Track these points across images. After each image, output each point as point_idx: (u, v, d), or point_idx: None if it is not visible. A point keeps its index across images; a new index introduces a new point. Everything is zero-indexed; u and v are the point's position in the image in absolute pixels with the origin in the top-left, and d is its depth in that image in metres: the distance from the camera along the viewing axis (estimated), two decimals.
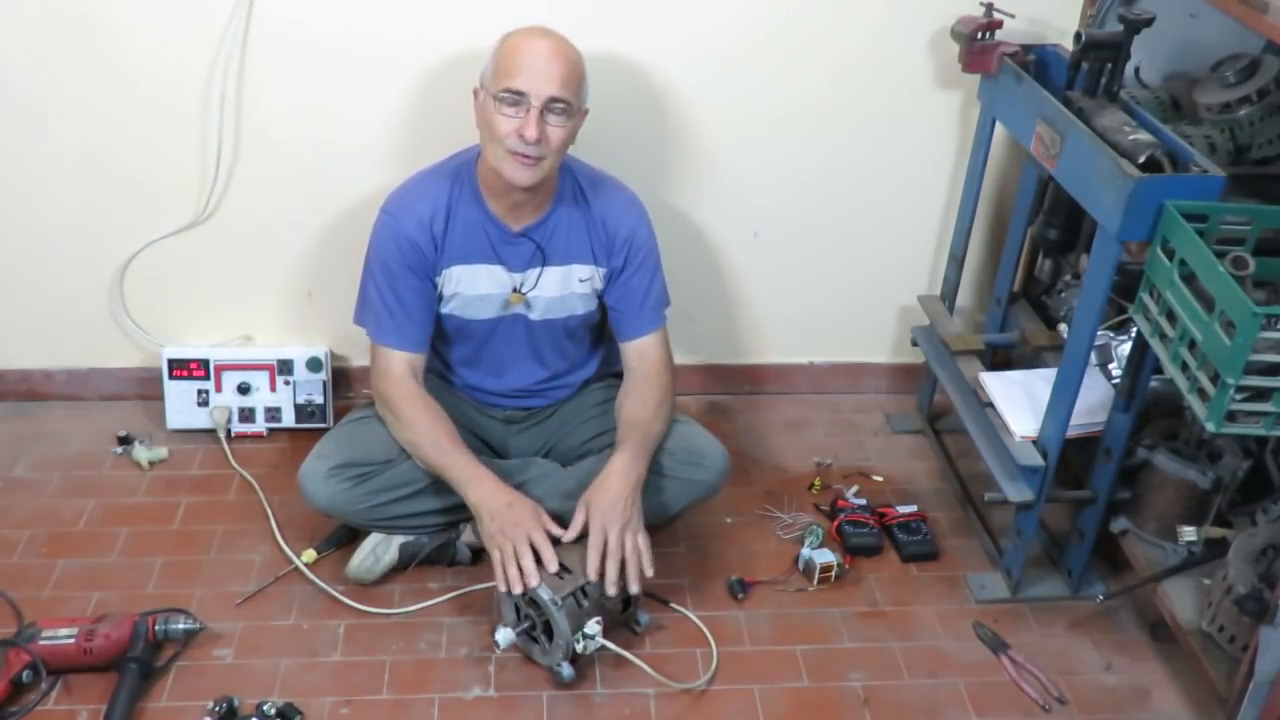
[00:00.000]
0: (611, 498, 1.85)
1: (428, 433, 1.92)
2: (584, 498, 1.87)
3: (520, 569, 1.78)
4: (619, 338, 2.08)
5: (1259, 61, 2.04)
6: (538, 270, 1.98)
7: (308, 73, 2.16)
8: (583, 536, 1.89)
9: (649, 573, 1.85)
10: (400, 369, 1.96)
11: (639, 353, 2.05)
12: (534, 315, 2.03)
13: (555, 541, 1.84)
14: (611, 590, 1.81)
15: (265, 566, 2.05)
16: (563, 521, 1.93)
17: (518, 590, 1.79)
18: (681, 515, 2.12)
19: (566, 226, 1.97)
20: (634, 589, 1.83)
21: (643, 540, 1.86)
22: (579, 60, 1.84)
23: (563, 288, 2.01)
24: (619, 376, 2.20)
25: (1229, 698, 1.65)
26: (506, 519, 1.83)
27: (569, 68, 1.81)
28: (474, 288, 1.98)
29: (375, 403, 2.01)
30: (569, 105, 1.81)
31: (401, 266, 1.94)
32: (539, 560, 1.80)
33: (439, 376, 2.14)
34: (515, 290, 1.99)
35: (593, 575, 1.80)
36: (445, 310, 2.01)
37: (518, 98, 1.78)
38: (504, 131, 1.80)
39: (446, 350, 2.10)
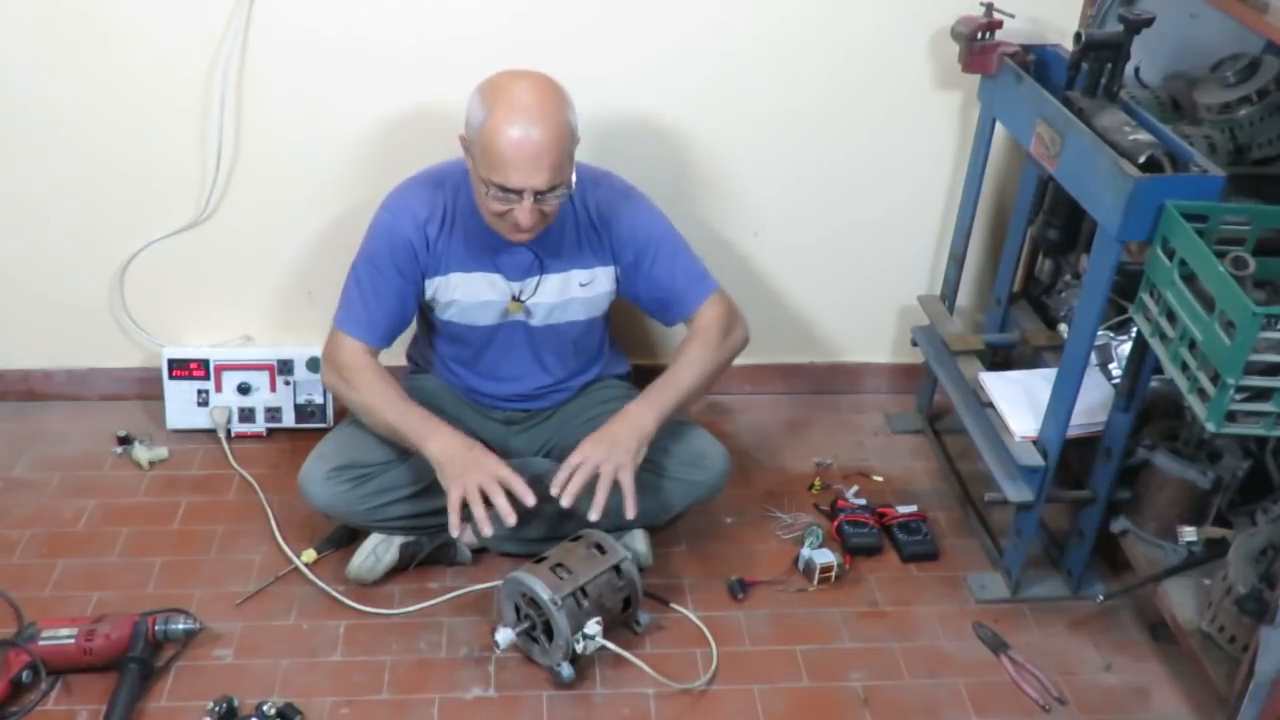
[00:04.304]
0: (600, 434, 1.88)
1: (380, 391, 1.93)
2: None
3: (487, 511, 1.81)
4: (672, 323, 2.08)
5: (1259, 61, 2.04)
6: (536, 278, 1.98)
7: (308, 73, 2.17)
8: (581, 536, 1.90)
9: (629, 515, 1.86)
10: (356, 347, 1.96)
11: (693, 322, 2.04)
12: (535, 322, 2.02)
13: (535, 512, 1.87)
14: (566, 502, 1.83)
15: (265, 566, 2.05)
16: (567, 531, 1.93)
17: (488, 532, 1.81)
18: (682, 515, 2.12)
19: (563, 232, 1.97)
20: (593, 515, 1.84)
21: (626, 479, 1.85)
22: (565, 123, 1.77)
23: (562, 294, 2.00)
24: (620, 379, 2.21)
25: (1229, 698, 1.65)
26: (469, 459, 1.85)
27: (557, 149, 1.74)
28: (473, 295, 1.98)
29: (326, 378, 2.01)
30: (562, 183, 1.79)
31: (388, 263, 1.94)
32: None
33: (438, 378, 2.14)
34: (514, 298, 1.99)
35: (555, 488, 1.83)
36: (444, 317, 2.01)
37: (508, 190, 1.76)
38: (498, 211, 1.80)
39: (447, 353, 2.10)
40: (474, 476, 1.83)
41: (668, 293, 2.02)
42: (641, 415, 1.91)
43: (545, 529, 1.99)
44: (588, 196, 1.97)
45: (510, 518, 1.81)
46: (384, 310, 1.97)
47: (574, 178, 1.85)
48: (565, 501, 1.83)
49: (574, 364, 2.12)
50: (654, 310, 2.08)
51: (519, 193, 1.76)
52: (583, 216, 1.97)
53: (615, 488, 1.86)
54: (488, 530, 1.82)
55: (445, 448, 1.86)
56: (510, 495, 1.83)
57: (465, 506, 1.84)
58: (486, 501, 1.83)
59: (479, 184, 1.80)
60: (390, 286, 1.95)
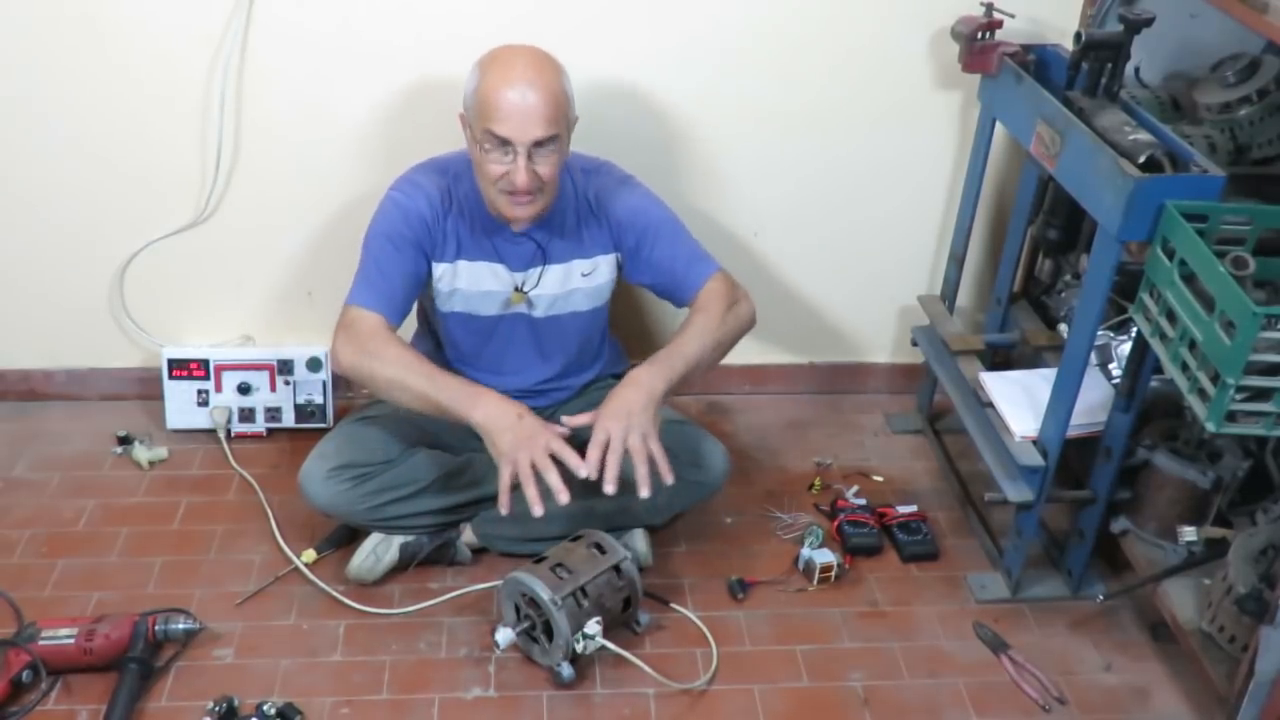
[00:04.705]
0: (616, 405, 1.80)
1: (413, 364, 1.84)
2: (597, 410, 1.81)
3: (543, 486, 1.74)
4: (681, 304, 2.04)
5: (1259, 61, 2.04)
6: (539, 269, 1.99)
7: (307, 72, 2.17)
8: (581, 536, 1.90)
9: (667, 480, 1.81)
10: (377, 320, 1.87)
11: (698, 297, 1.99)
12: (537, 313, 2.03)
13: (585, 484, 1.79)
14: (610, 488, 1.75)
15: (265, 566, 2.05)
16: (567, 531, 1.94)
17: (539, 513, 1.74)
18: (682, 515, 2.12)
19: (564, 221, 1.98)
20: (644, 492, 1.78)
21: (655, 447, 1.80)
22: (560, 87, 1.81)
23: (564, 285, 2.01)
24: (620, 377, 2.21)
25: (1229, 698, 1.66)
26: (521, 432, 1.77)
27: (551, 103, 1.77)
28: (477, 285, 1.99)
29: (345, 357, 1.86)
30: (556, 138, 1.80)
31: (404, 239, 1.92)
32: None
33: None
34: (517, 289, 2.00)
35: (592, 470, 1.75)
36: (446, 308, 2.02)
37: (503, 144, 1.78)
38: (495, 175, 1.81)
39: (448, 349, 2.10)
40: (525, 453, 1.76)
41: (670, 275, 2.02)
42: (651, 380, 1.84)
43: (570, 524, 1.97)
44: (588, 184, 1.99)
45: (563, 495, 1.75)
46: (403, 284, 1.93)
47: (570, 145, 1.87)
48: (609, 488, 1.76)
49: (575, 359, 2.12)
50: (660, 293, 2.07)
51: (514, 147, 1.77)
52: (583, 204, 1.98)
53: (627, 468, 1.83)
54: (539, 511, 1.75)
55: (493, 416, 1.79)
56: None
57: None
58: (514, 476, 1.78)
59: (476, 148, 1.81)
60: (407, 262, 1.92)
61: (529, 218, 1.88)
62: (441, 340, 2.10)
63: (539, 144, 1.78)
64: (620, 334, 2.30)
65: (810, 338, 2.58)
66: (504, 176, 1.80)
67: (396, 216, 1.92)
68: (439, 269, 1.97)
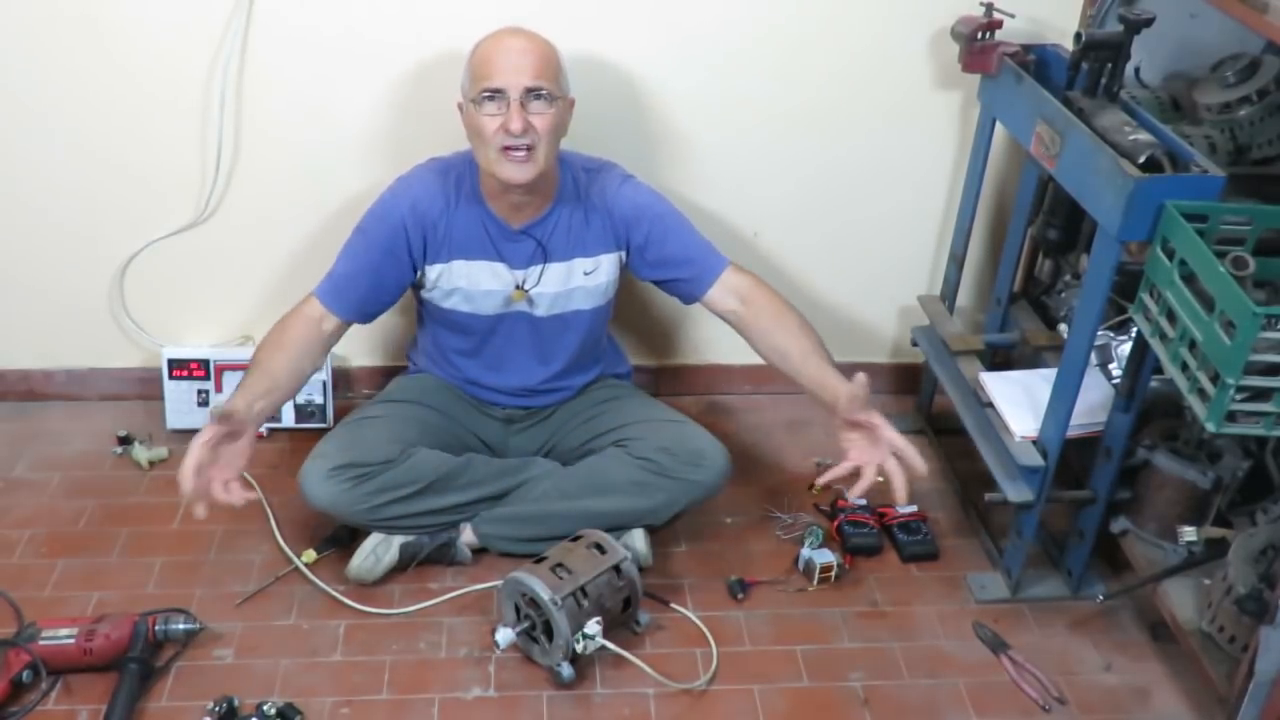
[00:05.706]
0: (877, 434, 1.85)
1: (256, 356, 1.92)
2: (848, 399, 1.86)
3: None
4: (694, 299, 2.04)
5: (1259, 61, 2.04)
6: (539, 267, 1.99)
7: (308, 72, 2.17)
8: (581, 536, 1.90)
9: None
10: (311, 312, 1.97)
11: (730, 292, 2.01)
12: (539, 312, 2.03)
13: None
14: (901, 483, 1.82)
15: (265, 566, 2.05)
16: (567, 531, 1.94)
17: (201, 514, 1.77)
18: (681, 515, 2.12)
19: (568, 221, 1.98)
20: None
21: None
22: (552, 51, 1.86)
23: (565, 283, 2.01)
24: (620, 378, 2.21)
25: (1229, 698, 1.66)
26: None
27: (541, 58, 1.83)
28: (477, 284, 1.99)
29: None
30: (548, 93, 1.82)
31: (377, 237, 1.95)
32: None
33: (438, 375, 2.14)
34: (518, 287, 2.00)
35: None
36: (446, 306, 2.02)
37: (496, 95, 1.80)
38: (490, 131, 1.81)
39: (449, 343, 2.10)
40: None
41: (684, 269, 2.02)
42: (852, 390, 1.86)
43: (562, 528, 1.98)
44: (590, 182, 1.99)
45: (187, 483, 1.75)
46: (365, 282, 1.97)
47: (567, 125, 1.90)
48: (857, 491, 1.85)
49: (577, 359, 2.12)
50: (671, 290, 2.07)
51: (508, 95, 1.79)
52: (586, 202, 1.99)
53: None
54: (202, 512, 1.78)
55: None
56: None
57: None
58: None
59: (475, 116, 1.83)
60: (375, 260, 1.96)
61: (527, 181, 1.86)
62: (442, 338, 2.10)
63: (531, 95, 1.80)
64: (623, 334, 2.30)
65: None
66: (499, 130, 1.81)
67: (379, 216, 1.96)
68: (433, 270, 1.97)
